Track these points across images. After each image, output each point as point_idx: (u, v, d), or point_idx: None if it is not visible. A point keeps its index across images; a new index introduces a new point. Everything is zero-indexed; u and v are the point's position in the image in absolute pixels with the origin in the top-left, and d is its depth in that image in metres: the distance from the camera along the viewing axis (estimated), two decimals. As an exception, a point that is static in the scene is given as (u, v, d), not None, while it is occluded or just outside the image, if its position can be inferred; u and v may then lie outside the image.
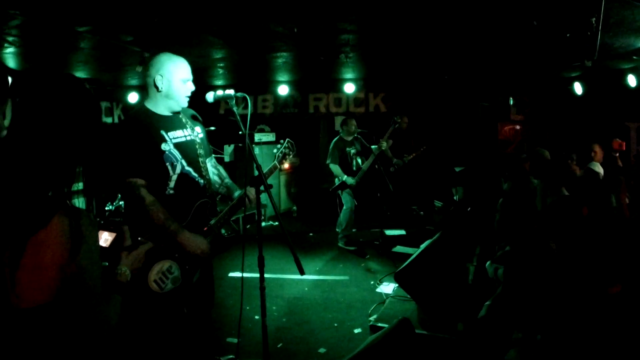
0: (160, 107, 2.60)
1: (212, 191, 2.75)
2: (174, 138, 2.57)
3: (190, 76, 2.61)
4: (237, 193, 2.79)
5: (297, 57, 6.20)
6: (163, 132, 2.54)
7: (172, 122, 2.62)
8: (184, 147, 2.60)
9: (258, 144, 8.56)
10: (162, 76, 2.52)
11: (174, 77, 2.53)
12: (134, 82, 7.84)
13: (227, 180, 2.92)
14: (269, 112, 9.41)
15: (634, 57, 5.83)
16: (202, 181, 2.65)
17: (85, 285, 1.27)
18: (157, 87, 2.54)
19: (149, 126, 2.52)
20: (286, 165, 9.05)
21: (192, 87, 2.62)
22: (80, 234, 1.25)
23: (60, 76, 1.37)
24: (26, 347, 1.25)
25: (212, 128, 7.05)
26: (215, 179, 2.90)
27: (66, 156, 1.31)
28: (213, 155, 3.00)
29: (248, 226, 7.98)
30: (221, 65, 6.52)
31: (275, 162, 2.92)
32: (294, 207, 9.28)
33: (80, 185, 1.39)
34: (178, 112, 2.68)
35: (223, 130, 7.37)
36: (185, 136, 2.64)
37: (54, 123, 1.30)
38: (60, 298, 1.26)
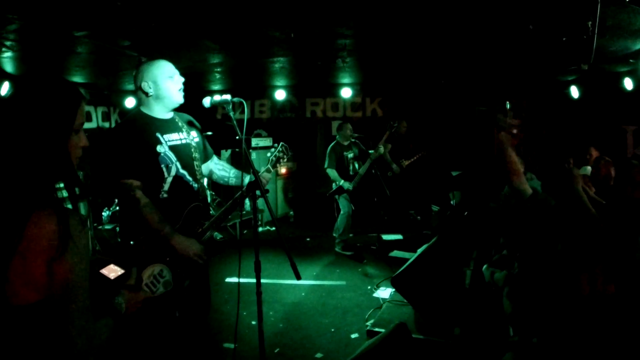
0: (155, 110, 2.60)
1: (205, 195, 2.75)
2: (169, 140, 2.58)
3: (174, 71, 2.62)
4: (247, 179, 2.73)
5: (294, 62, 6.20)
6: (159, 135, 2.55)
7: (168, 125, 2.63)
8: (179, 150, 2.60)
9: (255, 148, 8.56)
10: (147, 82, 2.54)
11: (159, 77, 2.55)
12: (131, 86, 7.82)
13: (234, 170, 2.94)
14: (266, 117, 9.40)
15: (631, 61, 5.84)
16: (196, 185, 2.65)
17: (72, 283, 1.27)
18: (146, 93, 2.56)
19: (145, 128, 2.53)
20: (283, 170, 9.04)
21: (181, 79, 2.64)
22: (67, 233, 1.25)
23: (34, 75, 1.37)
24: (17, 345, 1.25)
25: (209, 133, 7.07)
26: (223, 174, 2.92)
27: (44, 153, 1.30)
28: (215, 155, 3.00)
29: (245, 231, 7.96)
30: (218, 70, 6.52)
31: (269, 166, 2.88)
32: (291, 212, 9.27)
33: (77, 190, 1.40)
34: (175, 118, 2.68)
35: (220, 136, 7.38)
36: (180, 139, 2.64)
37: (27, 119, 1.30)
38: (50, 297, 1.26)
